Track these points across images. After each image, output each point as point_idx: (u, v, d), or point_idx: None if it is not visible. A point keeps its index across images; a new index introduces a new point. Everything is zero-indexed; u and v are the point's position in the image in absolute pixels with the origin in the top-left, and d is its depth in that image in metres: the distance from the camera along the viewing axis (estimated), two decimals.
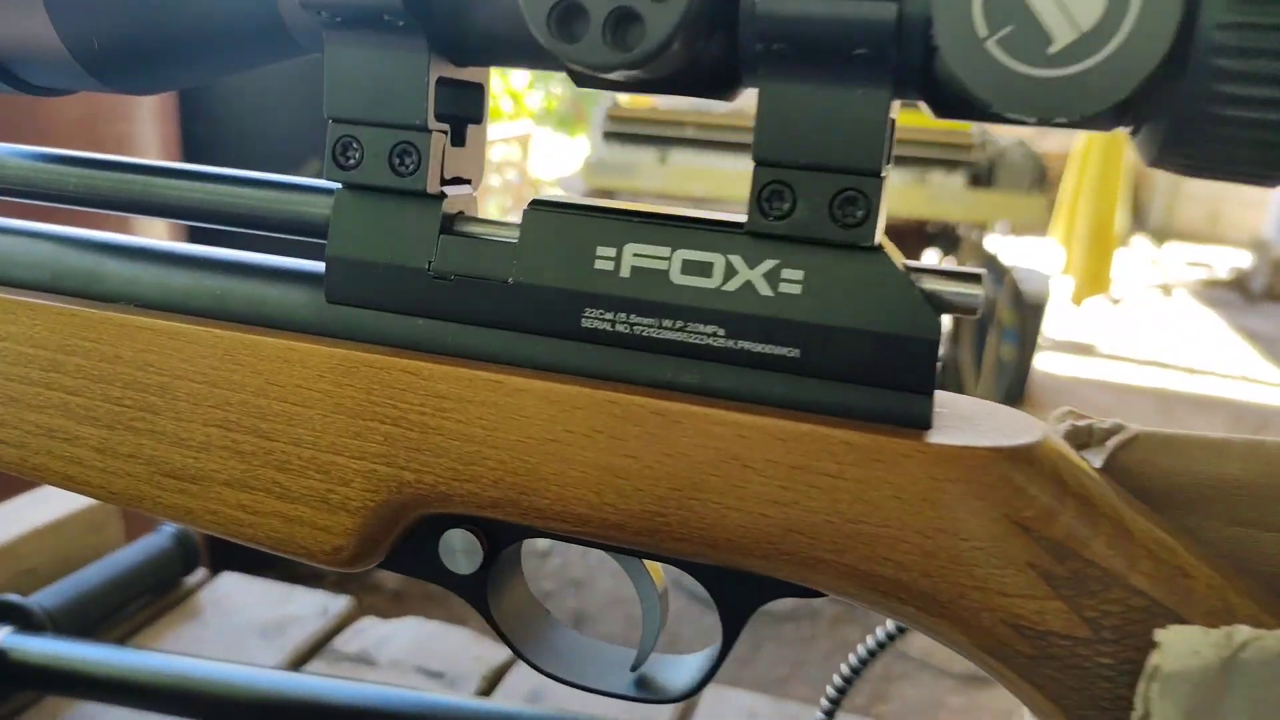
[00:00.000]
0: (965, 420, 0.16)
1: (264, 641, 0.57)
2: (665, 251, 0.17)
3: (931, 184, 2.00)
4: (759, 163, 0.16)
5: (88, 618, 0.53)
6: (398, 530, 0.18)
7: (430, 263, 0.18)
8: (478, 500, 0.17)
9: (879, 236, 0.16)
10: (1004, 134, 2.14)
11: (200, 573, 0.63)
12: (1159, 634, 0.14)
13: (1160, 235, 5.08)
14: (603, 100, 2.30)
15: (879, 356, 0.16)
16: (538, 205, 0.18)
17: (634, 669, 0.19)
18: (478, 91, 0.19)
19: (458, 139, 0.19)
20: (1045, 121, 0.13)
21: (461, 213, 0.18)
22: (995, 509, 0.15)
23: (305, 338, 0.18)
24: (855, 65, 0.15)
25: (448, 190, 0.18)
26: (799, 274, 0.16)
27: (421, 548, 0.19)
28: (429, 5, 0.16)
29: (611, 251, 0.17)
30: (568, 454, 0.17)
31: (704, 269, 0.16)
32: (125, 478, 0.19)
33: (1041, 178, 1.98)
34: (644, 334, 0.17)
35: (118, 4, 0.18)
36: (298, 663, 0.57)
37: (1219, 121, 0.13)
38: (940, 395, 0.17)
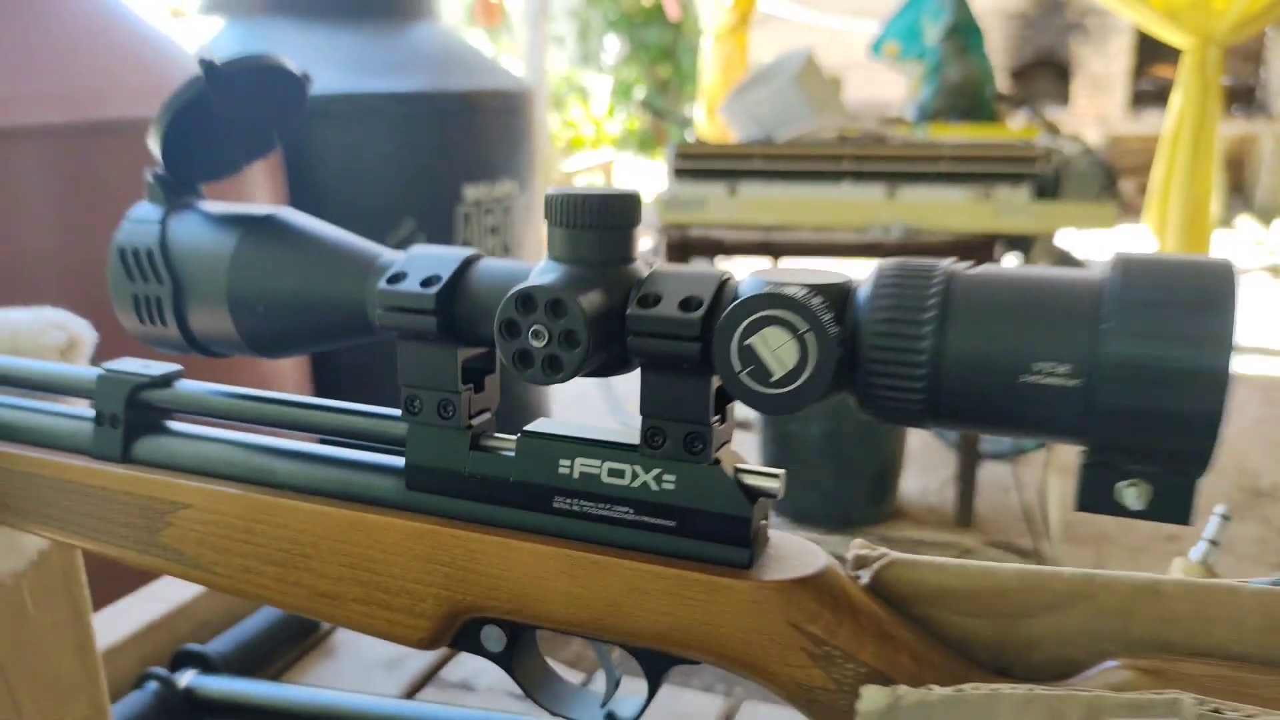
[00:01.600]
0: (779, 559, 0.27)
1: (386, 674, 0.71)
2: (597, 463, 0.28)
3: (997, 198, 2.04)
4: (644, 415, 0.27)
5: (250, 659, 0.68)
6: (456, 626, 0.30)
7: (465, 468, 0.30)
8: (500, 610, 0.29)
9: (715, 455, 0.27)
10: (1070, 142, 2.16)
11: (326, 627, 0.76)
12: (862, 690, 0.24)
13: (1267, 214, 4.87)
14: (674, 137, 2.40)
15: (717, 526, 0.27)
16: (526, 434, 0.29)
17: (603, 706, 0.30)
18: (490, 357, 0.31)
19: (479, 388, 0.30)
20: (779, 414, 0.24)
21: (484, 433, 0.30)
22: (782, 617, 0.26)
23: (395, 513, 0.30)
24: (687, 370, 0.26)
25: (474, 421, 0.30)
26: (673, 478, 0.27)
27: (470, 635, 0.31)
28: (453, 329, 0.28)
29: (568, 463, 0.28)
30: (546, 585, 0.28)
31: (620, 473, 0.28)
32: (294, 596, 0.32)
33: (1111, 183, 1.99)
34: (587, 511, 0.28)
35: (273, 319, 0.31)
36: (412, 691, 0.70)
37: (877, 399, 0.24)
38: (774, 537, 0.28)
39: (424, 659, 0.72)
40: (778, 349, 0.23)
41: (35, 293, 1.16)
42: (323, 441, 0.33)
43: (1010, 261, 2.60)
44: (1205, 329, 0.20)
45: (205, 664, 0.64)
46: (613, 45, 7.29)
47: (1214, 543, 0.43)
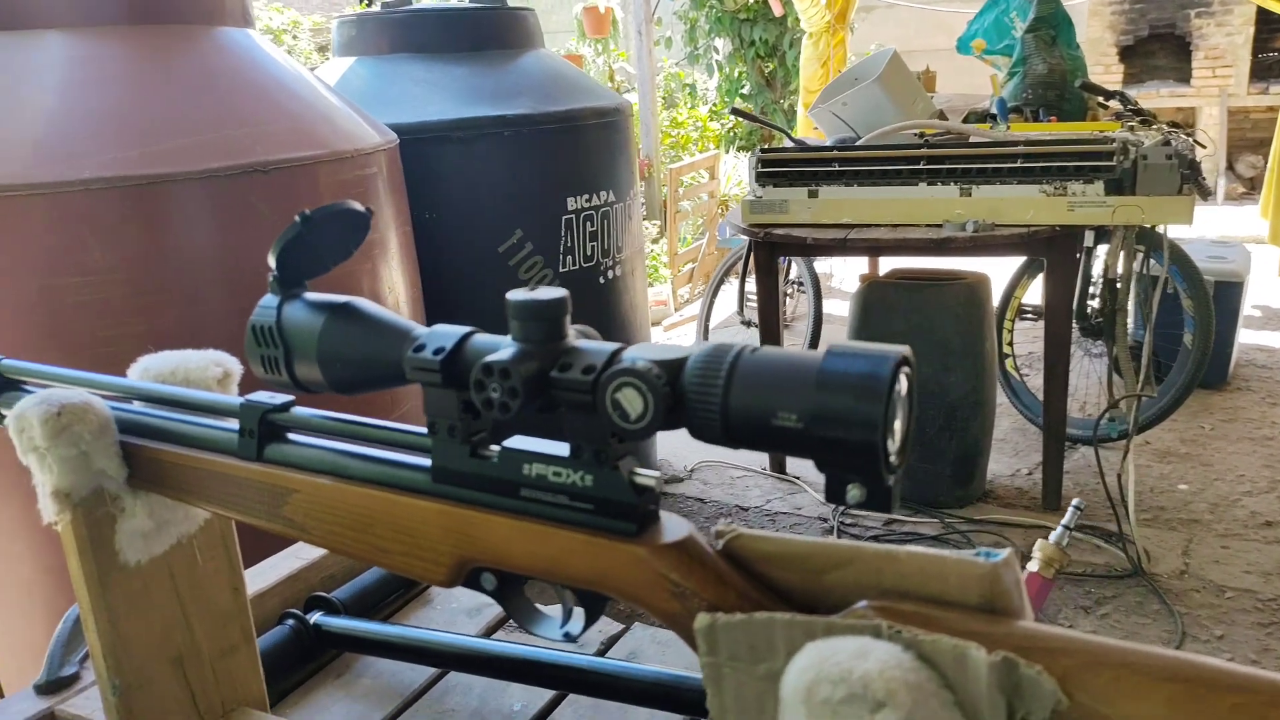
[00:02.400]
0: (659, 530, 0.42)
1: (468, 619, 0.89)
2: (545, 467, 0.43)
3: (1070, 194, 2.07)
4: (569, 439, 0.42)
5: (364, 604, 0.86)
6: (464, 572, 0.46)
7: (467, 469, 0.45)
8: (489, 561, 0.45)
9: (615, 463, 0.42)
10: (1152, 135, 2.16)
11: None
12: (699, 616, 0.39)
13: None
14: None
15: (617, 509, 0.42)
16: (504, 449, 0.45)
17: (561, 628, 0.46)
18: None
19: (475, 416, 0.46)
20: (639, 440, 0.39)
21: (480, 445, 0.46)
22: (652, 568, 0.41)
23: (425, 498, 0.46)
24: (588, 411, 0.41)
25: (473, 439, 0.46)
26: (590, 478, 0.42)
27: (474, 578, 0.46)
28: (453, 381, 0.44)
29: (529, 466, 0.44)
30: (516, 546, 0.44)
31: (560, 474, 0.43)
32: (363, 551, 0.48)
33: (1191, 176, 2.00)
34: (540, 499, 0.44)
35: (346, 372, 0.47)
36: (489, 632, 0.87)
37: (696, 429, 0.38)
38: (662, 515, 0.43)
39: (496, 609, 0.89)
40: (631, 400, 0.38)
41: (203, 302, 1.40)
42: (381, 448, 0.49)
43: (1097, 252, 2.60)
44: (862, 400, 0.34)
45: (330, 607, 0.83)
46: (719, 44, 7.37)
47: (1067, 528, 0.55)
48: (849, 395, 0.35)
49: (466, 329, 0.45)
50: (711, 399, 0.38)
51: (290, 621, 0.81)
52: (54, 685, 0.68)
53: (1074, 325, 2.50)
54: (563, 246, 2.32)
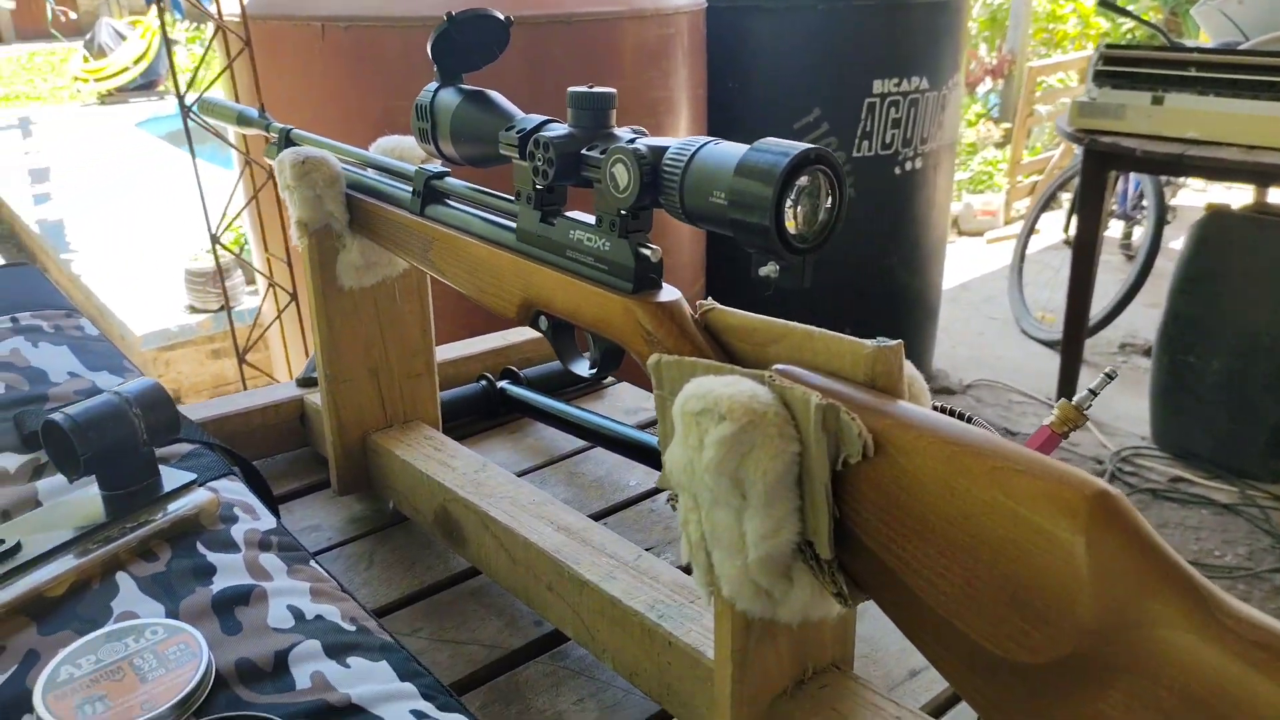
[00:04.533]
0: (655, 292, 0.51)
1: (625, 415, 1.03)
2: (583, 234, 0.54)
3: None
4: (595, 211, 0.53)
5: (547, 385, 1.03)
6: (528, 313, 0.59)
7: (537, 231, 0.57)
8: (543, 305, 0.57)
9: (627, 234, 0.51)
10: None
11: (610, 380, 1.10)
12: (653, 357, 0.48)
13: None
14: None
15: (622, 270, 0.52)
16: (562, 216, 0.56)
17: (590, 369, 0.57)
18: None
19: (550, 190, 0.57)
20: (621, 213, 0.48)
21: (552, 214, 0.57)
22: (634, 317, 0.50)
23: (510, 251, 0.59)
24: (601, 189, 0.51)
25: (544, 208, 0.57)
26: (609, 243, 0.52)
27: (536, 319, 0.59)
28: (525, 150, 0.56)
29: (575, 233, 0.55)
30: (558, 294, 0.55)
31: (592, 240, 0.54)
32: (469, 289, 0.63)
33: None
34: (576, 259, 0.55)
35: (469, 147, 0.60)
36: (641, 428, 1.00)
37: (669, 203, 0.47)
38: (666, 288, 0.52)
39: (651, 411, 1.02)
40: (620, 174, 0.48)
41: None
42: (491, 212, 0.62)
43: None
44: (761, 184, 0.41)
45: (517, 379, 1.01)
46: None
47: (1093, 392, 0.56)
48: (753, 180, 0.42)
49: (547, 118, 0.56)
50: (674, 176, 0.46)
51: (482, 382, 1.00)
52: (305, 382, 0.93)
53: None
54: (860, 130, 2.31)
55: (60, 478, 0.64)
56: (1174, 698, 0.30)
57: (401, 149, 0.76)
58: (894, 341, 0.43)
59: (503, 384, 1.00)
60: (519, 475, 0.85)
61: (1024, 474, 0.34)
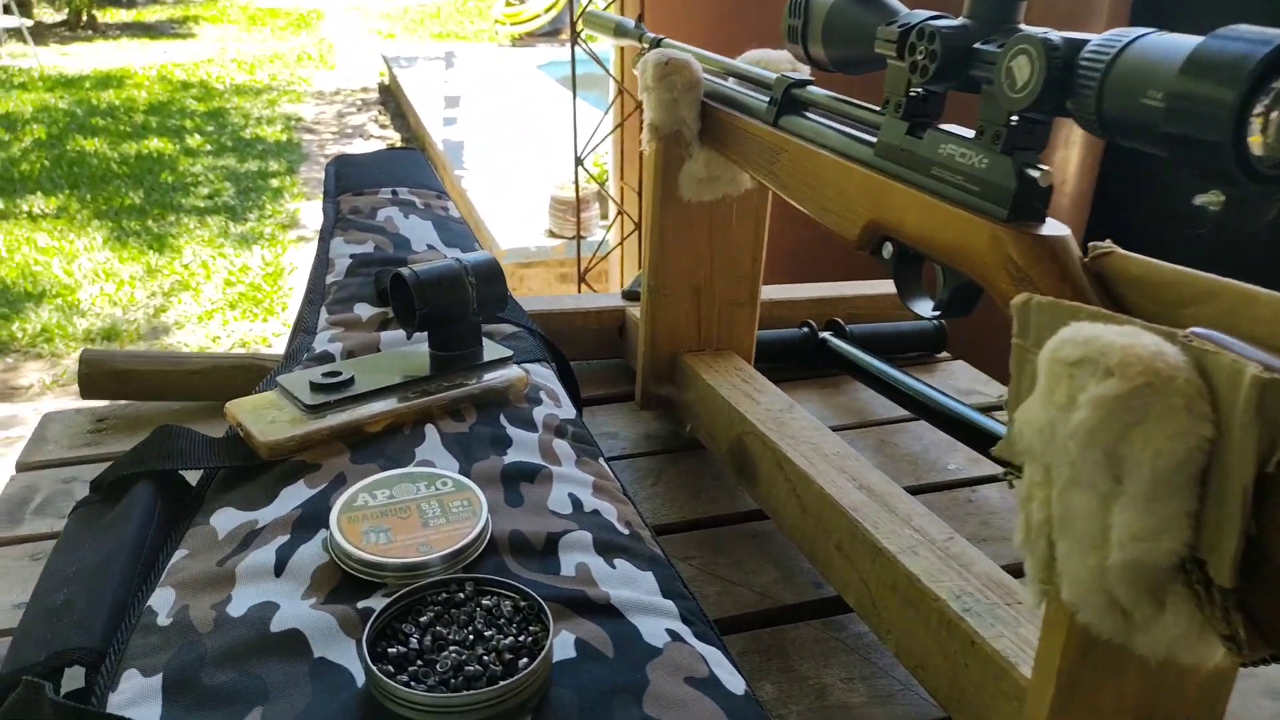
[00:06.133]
0: (1036, 225, 0.42)
1: (958, 396, 0.92)
2: (955, 148, 0.46)
3: None
4: (980, 120, 0.44)
5: (874, 345, 0.95)
6: (873, 237, 0.52)
7: (901, 145, 0.50)
8: (890, 230, 0.50)
9: (1011, 151, 0.43)
10: None
11: (945, 355, 1.00)
12: (1020, 295, 0.40)
13: None
14: None
15: (997, 192, 0.43)
16: (936, 129, 0.48)
17: (934, 310, 0.50)
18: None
19: (925, 100, 0.50)
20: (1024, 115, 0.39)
21: (922, 127, 0.50)
22: (1003, 251, 0.42)
23: (862, 168, 0.53)
24: (987, 93, 0.42)
25: (915, 118, 0.50)
26: (987, 160, 0.44)
27: (879, 246, 0.52)
28: (901, 55, 0.48)
29: (943, 149, 0.47)
30: (911, 216, 0.48)
31: (966, 156, 0.45)
32: (811, 207, 0.57)
33: None
34: (942, 177, 0.47)
35: (840, 50, 0.54)
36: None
37: (1079, 109, 0.38)
38: (1050, 222, 0.43)
39: (990, 394, 0.91)
40: (1020, 67, 0.39)
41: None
42: (849, 124, 0.56)
43: None
44: (1220, 83, 0.31)
45: (842, 333, 0.94)
46: None
47: None
48: (1209, 78, 0.31)
49: (937, 13, 0.48)
50: (1094, 72, 0.37)
51: (804, 329, 0.94)
52: (630, 295, 0.93)
53: None
54: None
55: (400, 333, 0.68)
56: None
57: (768, 59, 0.72)
58: None
59: (825, 335, 0.93)
60: None
61: None
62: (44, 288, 3.44)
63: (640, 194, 1.77)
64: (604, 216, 3.56)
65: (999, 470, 0.78)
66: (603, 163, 2.79)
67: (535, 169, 4.23)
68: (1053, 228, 0.42)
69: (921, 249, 0.48)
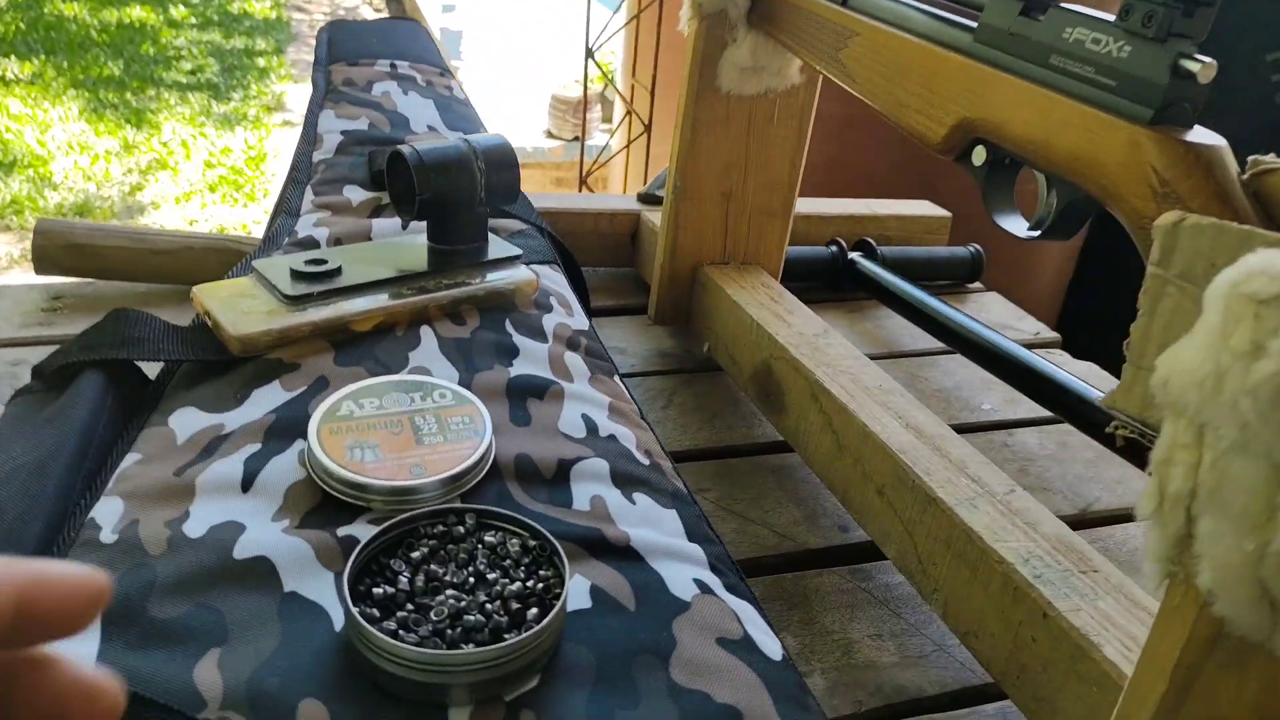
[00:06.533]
0: (1188, 133, 0.35)
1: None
2: (1087, 32, 0.38)
3: None
4: None
5: (906, 270, 0.87)
6: (962, 139, 0.44)
7: (1010, 28, 0.42)
8: (985, 130, 0.42)
9: (1165, 36, 0.35)
10: None
11: (977, 285, 0.92)
12: (1165, 215, 0.32)
13: None
14: None
15: (1140, 88, 0.35)
16: (1059, 8, 0.40)
17: (1030, 228, 0.42)
18: None
19: None
20: None
21: (1036, 8, 0.42)
22: (1144, 160, 0.34)
23: (959, 55, 0.44)
24: None
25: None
26: (1129, 48, 0.36)
27: (968, 151, 0.44)
28: None
29: (1069, 32, 0.39)
30: (1020, 114, 0.40)
31: (1099, 41, 0.37)
32: (887, 104, 0.49)
33: None
34: (1064, 67, 0.39)
35: None
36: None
37: None
38: (1199, 130, 0.35)
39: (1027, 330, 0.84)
40: None
41: None
42: (943, 6, 0.47)
43: None
44: None
45: (872, 254, 0.87)
46: None
47: None
48: None
49: None
50: None
51: (833, 247, 0.86)
52: (647, 198, 0.84)
53: None
54: None
55: (395, 222, 0.60)
56: None
57: None
58: None
59: (854, 255, 0.86)
60: None
61: None
62: (15, 157, 3.28)
63: (652, 92, 1.66)
64: (606, 120, 3.42)
65: (1040, 412, 0.71)
66: (607, 63, 2.64)
67: (537, 67, 4.06)
68: (1205, 135, 0.35)
69: (1027, 155, 0.40)
